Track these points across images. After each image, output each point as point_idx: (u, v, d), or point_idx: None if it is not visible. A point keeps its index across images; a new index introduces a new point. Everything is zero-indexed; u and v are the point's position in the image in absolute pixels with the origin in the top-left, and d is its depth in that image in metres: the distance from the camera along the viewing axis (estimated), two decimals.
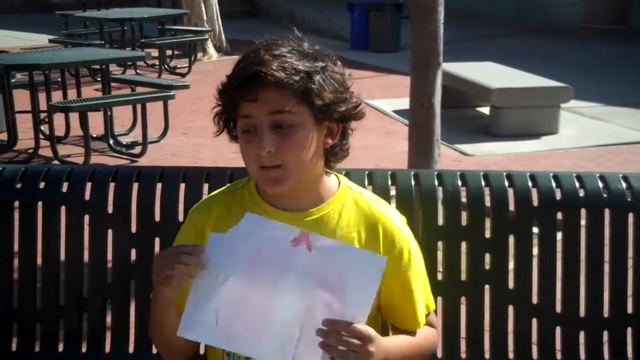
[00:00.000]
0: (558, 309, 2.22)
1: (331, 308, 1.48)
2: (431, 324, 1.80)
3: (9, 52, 8.67)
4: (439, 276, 2.22)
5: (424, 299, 1.75)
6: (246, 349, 1.52)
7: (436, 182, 2.24)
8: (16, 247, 2.28)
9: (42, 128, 6.82)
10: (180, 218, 2.20)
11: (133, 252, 2.26)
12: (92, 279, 2.26)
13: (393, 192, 2.24)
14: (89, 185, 2.29)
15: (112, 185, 2.28)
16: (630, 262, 2.23)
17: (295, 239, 1.51)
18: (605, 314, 2.21)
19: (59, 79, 7.46)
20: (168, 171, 2.31)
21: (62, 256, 2.27)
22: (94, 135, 6.87)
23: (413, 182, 2.24)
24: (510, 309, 2.22)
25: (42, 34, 12.62)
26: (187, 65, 10.66)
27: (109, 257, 2.26)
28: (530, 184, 2.23)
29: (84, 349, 2.27)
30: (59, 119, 6.79)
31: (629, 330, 2.23)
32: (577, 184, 2.23)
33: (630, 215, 2.22)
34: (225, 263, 1.50)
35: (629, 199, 2.22)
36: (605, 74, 10.65)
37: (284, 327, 1.49)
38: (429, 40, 4.26)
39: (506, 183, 2.23)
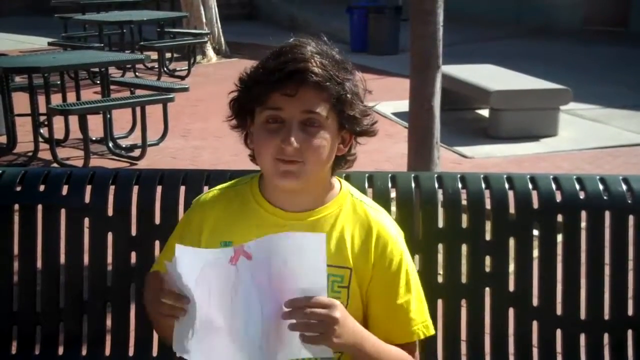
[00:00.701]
0: (558, 311, 2.21)
1: (289, 298, 1.50)
2: (413, 349, 1.74)
3: (9, 55, 8.69)
4: (439, 279, 2.21)
5: (418, 316, 1.71)
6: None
7: (436, 185, 2.24)
8: (16, 250, 2.28)
9: (42, 131, 6.82)
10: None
11: (133, 255, 2.26)
12: (92, 281, 2.26)
13: (393, 194, 2.24)
14: (88, 188, 2.28)
15: (112, 188, 2.28)
16: (630, 264, 2.22)
17: (231, 257, 1.52)
18: (606, 317, 2.21)
19: (59, 82, 7.48)
20: (168, 174, 2.31)
21: (62, 259, 2.27)
22: (94, 138, 6.87)
23: (413, 185, 2.24)
24: (511, 311, 2.21)
25: (42, 36, 12.68)
26: (187, 67, 10.67)
27: (109, 260, 2.26)
28: (530, 186, 2.23)
29: (84, 352, 2.27)
30: (58, 121, 6.79)
31: (630, 332, 2.22)
32: (577, 186, 2.23)
33: (631, 218, 2.22)
34: (189, 279, 1.51)
35: (629, 201, 2.21)
36: (605, 76, 10.65)
37: (252, 339, 1.50)
38: (428, 42, 4.25)
39: (506, 185, 2.23)
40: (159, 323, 1.65)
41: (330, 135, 1.62)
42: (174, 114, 7.60)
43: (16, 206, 2.29)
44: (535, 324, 2.21)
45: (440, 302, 2.18)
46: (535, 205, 2.22)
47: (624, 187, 2.23)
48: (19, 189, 2.29)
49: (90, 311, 2.26)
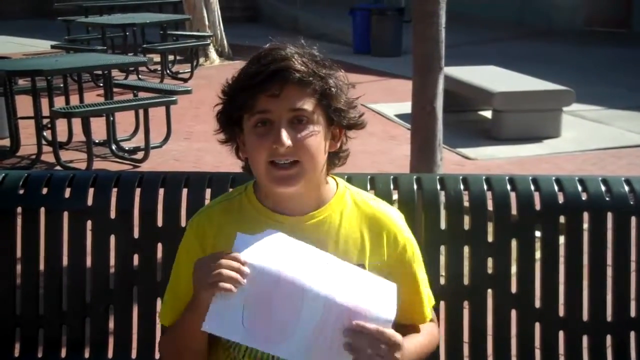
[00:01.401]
0: (561, 312, 2.21)
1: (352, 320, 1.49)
2: (432, 317, 1.83)
3: (12, 58, 8.71)
4: (442, 280, 2.21)
5: (429, 292, 1.79)
6: (270, 348, 1.52)
7: (438, 187, 2.24)
8: (19, 253, 2.28)
9: (45, 134, 6.82)
10: (183, 223, 2.20)
11: (135, 258, 2.26)
12: (94, 284, 2.26)
13: (395, 196, 2.24)
14: (91, 191, 2.29)
15: (114, 190, 2.29)
16: (633, 266, 2.22)
17: (314, 254, 1.56)
18: (609, 318, 2.21)
19: (62, 85, 7.50)
20: (170, 177, 2.32)
21: (65, 262, 2.28)
22: (97, 141, 6.85)
23: (415, 187, 2.24)
24: (513, 313, 2.21)
25: (45, 39, 12.66)
26: (189, 70, 10.69)
27: (112, 262, 2.26)
28: (532, 187, 2.23)
29: (86, 355, 2.26)
30: (61, 124, 6.81)
31: (632, 334, 2.22)
32: (579, 188, 2.23)
33: (633, 219, 2.22)
34: (253, 259, 1.50)
35: (631, 202, 2.21)
36: (607, 77, 10.65)
37: (308, 330, 1.49)
38: (430, 44, 4.25)
39: (508, 187, 2.23)
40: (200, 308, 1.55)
41: (321, 129, 1.62)
42: (177, 117, 7.63)
43: (19, 209, 2.29)
44: (537, 325, 2.21)
45: (442, 303, 2.18)
46: (538, 206, 2.22)
47: (627, 188, 2.23)
48: (22, 192, 2.29)
49: (93, 314, 2.26)
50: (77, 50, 9.64)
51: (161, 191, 2.28)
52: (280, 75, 1.55)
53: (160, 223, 2.25)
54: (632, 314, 2.22)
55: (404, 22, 12.08)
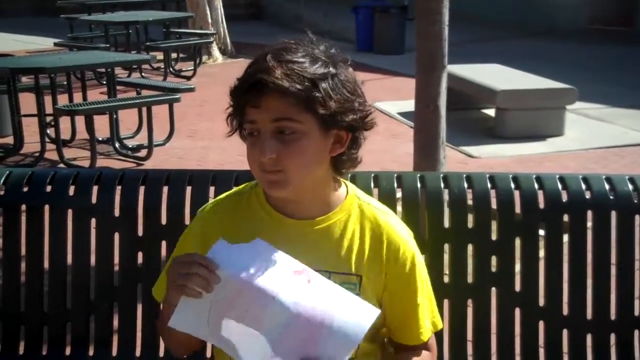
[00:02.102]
0: (565, 311, 2.21)
1: (311, 340, 1.49)
2: (431, 345, 1.79)
3: (15, 56, 8.70)
4: (445, 279, 2.21)
5: (429, 315, 1.75)
6: (230, 351, 1.54)
7: (442, 185, 2.24)
8: (23, 251, 2.29)
9: (48, 131, 6.83)
10: (187, 221, 2.19)
11: (140, 255, 2.27)
12: (99, 282, 2.27)
13: (399, 194, 2.23)
14: (95, 188, 2.29)
15: (118, 188, 2.29)
16: (637, 265, 2.23)
17: (296, 270, 1.54)
18: (613, 317, 2.21)
19: (65, 83, 7.47)
20: (174, 174, 2.32)
21: (69, 259, 2.28)
22: (100, 139, 6.89)
23: (419, 185, 2.23)
24: (517, 311, 2.21)
25: (48, 37, 12.68)
26: (192, 68, 10.70)
27: (116, 260, 2.27)
28: (536, 186, 2.23)
29: (91, 352, 2.27)
30: (65, 122, 6.84)
31: (636, 332, 2.22)
32: (583, 186, 2.23)
33: (637, 217, 2.22)
34: (225, 266, 1.51)
35: (635, 201, 2.21)
36: (611, 75, 10.63)
37: (267, 338, 1.50)
38: (433, 42, 4.25)
39: (512, 185, 2.23)
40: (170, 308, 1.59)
41: (310, 138, 1.58)
42: (181, 115, 7.60)
43: (23, 207, 2.30)
44: (541, 324, 2.21)
45: (446, 302, 2.18)
46: (542, 205, 2.22)
47: (630, 186, 2.22)
48: (25, 189, 2.30)
49: (97, 311, 2.27)
50: (80, 48, 9.64)
51: (165, 189, 2.28)
52: (259, 86, 1.53)
53: (164, 221, 2.25)
54: (636, 312, 2.22)
55: (407, 19, 12.04)
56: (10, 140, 6.91)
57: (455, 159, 6.55)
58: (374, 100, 8.40)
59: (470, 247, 2.22)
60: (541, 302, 2.21)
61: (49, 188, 2.29)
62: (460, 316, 2.21)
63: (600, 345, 2.20)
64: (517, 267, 2.22)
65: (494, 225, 2.22)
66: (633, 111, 8.52)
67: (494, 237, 2.22)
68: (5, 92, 6.73)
